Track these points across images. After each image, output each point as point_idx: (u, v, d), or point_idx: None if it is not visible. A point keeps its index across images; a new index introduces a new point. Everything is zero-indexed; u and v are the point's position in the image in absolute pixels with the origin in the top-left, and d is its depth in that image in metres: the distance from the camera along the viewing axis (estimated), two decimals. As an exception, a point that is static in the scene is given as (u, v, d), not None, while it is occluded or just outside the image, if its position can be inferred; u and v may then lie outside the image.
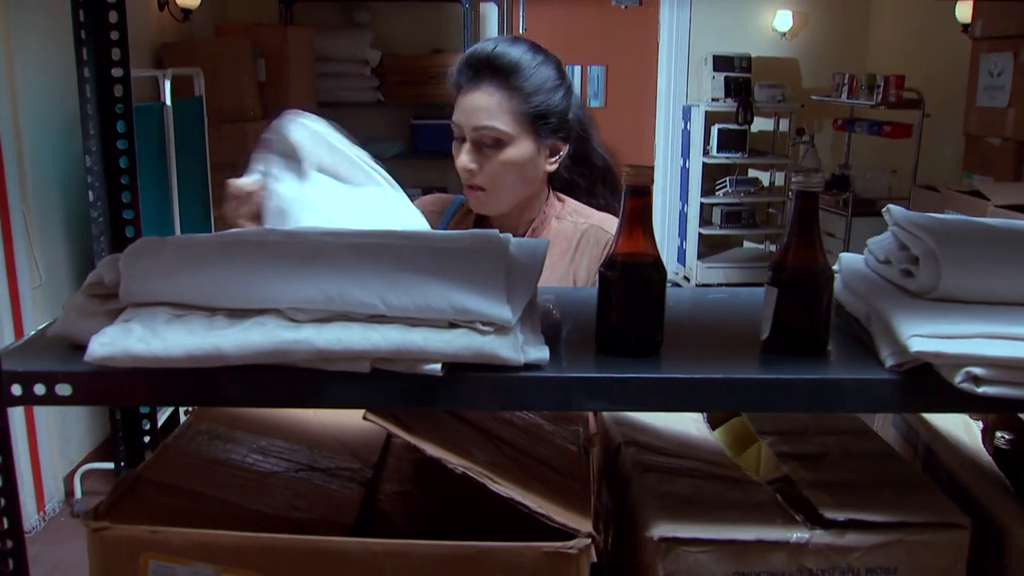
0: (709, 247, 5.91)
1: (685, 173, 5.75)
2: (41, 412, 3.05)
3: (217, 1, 4.90)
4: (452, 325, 0.79)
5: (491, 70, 1.43)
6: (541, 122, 1.45)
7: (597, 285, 1.47)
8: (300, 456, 1.01)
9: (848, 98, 5.01)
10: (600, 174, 1.60)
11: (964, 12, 4.42)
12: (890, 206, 1.02)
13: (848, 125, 5.22)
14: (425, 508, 1.03)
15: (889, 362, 0.81)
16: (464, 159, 1.44)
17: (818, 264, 0.84)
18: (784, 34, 5.76)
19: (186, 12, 4.20)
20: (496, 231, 0.91)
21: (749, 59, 5.54)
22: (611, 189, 1.61)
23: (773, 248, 5.94)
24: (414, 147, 5.29)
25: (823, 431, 1.04)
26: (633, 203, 0.83)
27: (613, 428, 1.06)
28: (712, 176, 5.67)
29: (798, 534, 0.83)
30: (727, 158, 5.56)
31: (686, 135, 5.74)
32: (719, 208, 5.73)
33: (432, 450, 0.78)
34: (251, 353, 0.76)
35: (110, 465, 3.37)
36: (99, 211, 1.03)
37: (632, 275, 0.83)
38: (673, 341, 0.86)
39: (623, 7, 5.86)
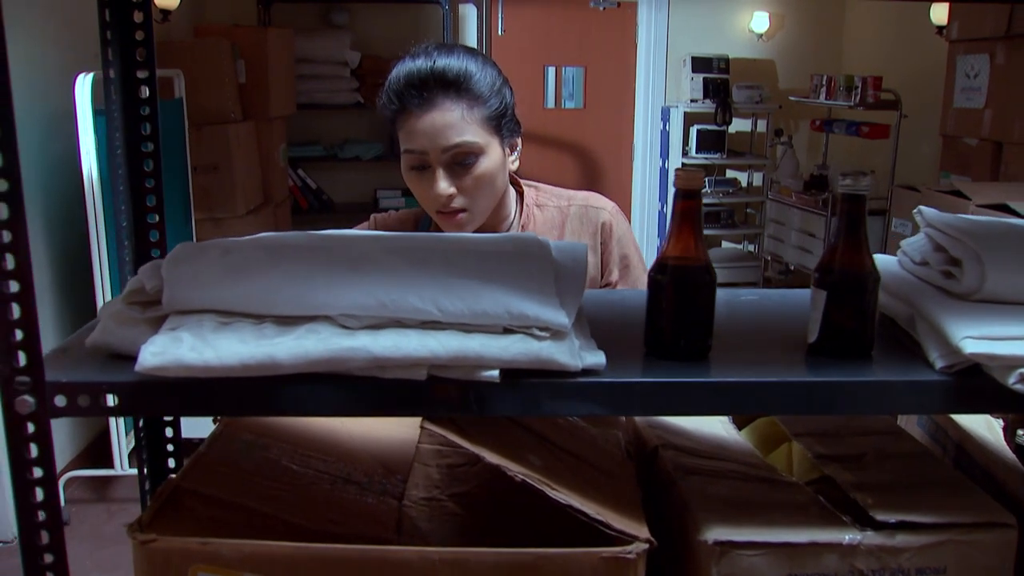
0: (688, 247, 5.94)
1: (664, 174, 5.78)
2: (23, 420, 2.98)
3: (195, 2, 4.84)
4: (506, 331, 0.78)
5: (441, 85, 1.31)
6: (503, 121, 1.38)
7: (611, 275, 1.46)
8: (334, 468, 0.99)
9: (826, 99, 5.06)
10: None
11: (939, 14, 4.48)
12: (921, 207, 1.02)
13: (826, 125, 5.27)
14: (452, 513, 1.01)
15: (939, 364, 0.81)
16: (442, 186, 1.33)
17: (866, 267, 0.84)
18: (761, 35, 5.81)
19: (165, 13, 4.15)
20: (534, 235, 0.91)
21: (727, 60, 5.58)
22: None
23: (752, 248, 5.99)
24: (394, 149, 5.24)
25: (857, 432, 1.04)
26: (683, 206, 0.83)
27: (647, 431, 1.06)
28: (691, 177, 5.70)
29: (850, 536, 0.83)
30: (706, 159, 5.59)
31: (665, 136, 5.77)
32: (698, 208, 5.75)
33: (492, 457, 0.77)
34: (307, 361, 0.74)
35: (93, 472, 3.31)
36: (125, 216, 1.01)
37: (683, 279, 0.83)
38: (717, 344, 0.86)
39: (601, 8, 5.87)
